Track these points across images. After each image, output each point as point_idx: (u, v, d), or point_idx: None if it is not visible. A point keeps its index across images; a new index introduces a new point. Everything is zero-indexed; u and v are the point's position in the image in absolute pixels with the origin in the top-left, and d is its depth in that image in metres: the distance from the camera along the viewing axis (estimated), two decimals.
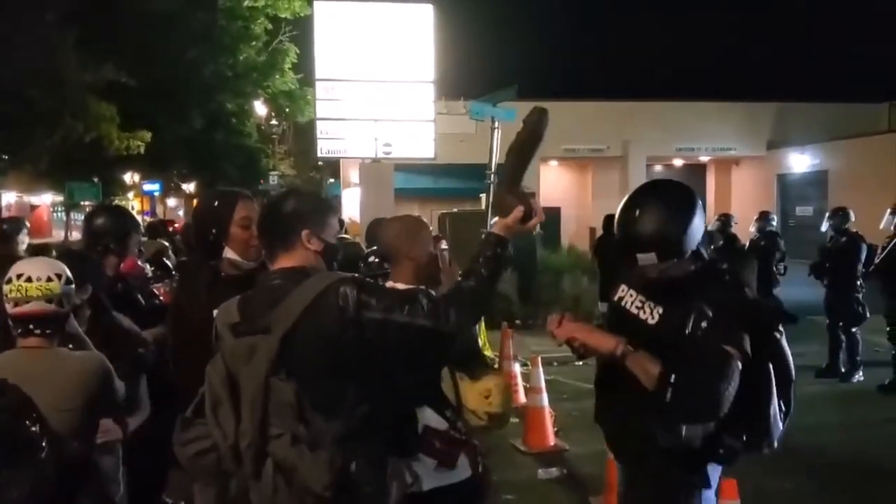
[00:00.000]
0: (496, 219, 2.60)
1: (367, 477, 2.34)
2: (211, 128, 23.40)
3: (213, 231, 2.96)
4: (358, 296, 2.31)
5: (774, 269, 10.08)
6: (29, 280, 2.86)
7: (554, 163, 30.78)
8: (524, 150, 2.61)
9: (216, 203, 3.07)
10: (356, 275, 2.48)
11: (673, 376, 2.45)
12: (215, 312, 2.84)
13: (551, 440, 6.88)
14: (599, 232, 8.53)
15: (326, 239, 2.54)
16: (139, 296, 4.17)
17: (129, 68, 19.29)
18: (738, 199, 31.19)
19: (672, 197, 2.73)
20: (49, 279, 2.88)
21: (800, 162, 28.08)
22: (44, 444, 2.61)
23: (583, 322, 2.82)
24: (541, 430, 6.86)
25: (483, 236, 2.54)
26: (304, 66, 20.61)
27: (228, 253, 2.98)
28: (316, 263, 2.51)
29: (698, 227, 2.64)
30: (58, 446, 2.65)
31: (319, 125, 15.42)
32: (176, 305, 3.11)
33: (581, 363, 10.24)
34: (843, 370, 9.09)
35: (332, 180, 35.52)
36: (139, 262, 4.30)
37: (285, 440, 2.28)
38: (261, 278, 2.56)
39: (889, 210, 8.50)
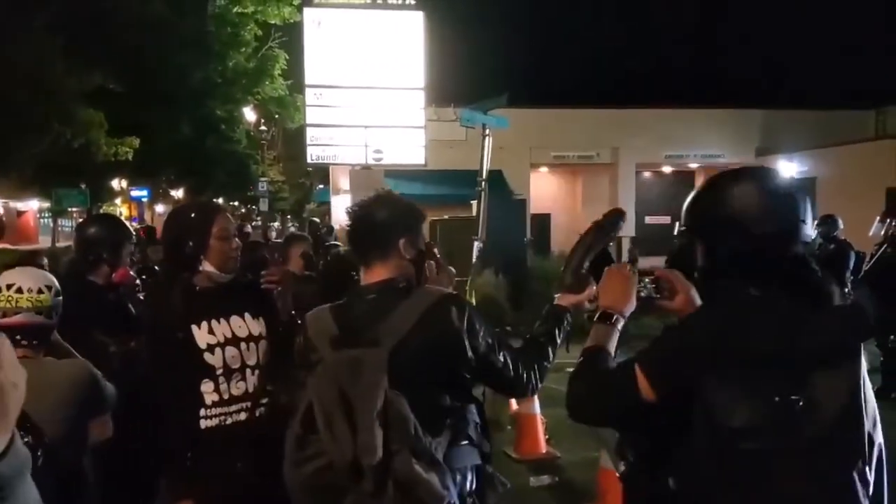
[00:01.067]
0: (562, 294, 2.70)
1: (477, 490, 2.39)
2: (200, 134, 23.33)
3: (191, 243, 2.92)
4: (470, 319, 2.38)
5: None
6: (20, 291, 2.83)
7: (544, 169, 30.85)
8: (595, 240, 2.70)
9: (193, 215, 3.04)
10: (457, 293, 2.55)
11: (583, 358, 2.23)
12: (194, 328, 2.84)
13: (543, 447, 6.88)
14: None
15: (420, 246, 2.57)
16: (130, 305, 4.16)
17: (117, 75, 19.20)
18: None
19: None
20: (40, 291, 2.86)
21: (788, 169, 28.14)
22: (39, 453, 2.54)
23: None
24: (532, 438, 6.85)
25: (555, 309, 2.65)
26: (294, 73, 20.59)
27: (206, 266, 2.94)
28: (408, 272, 2.53)
29: None
30: (53, 455, 2.63)
31: (309, 131, 15.41)
32: (151, 320, 3.07)
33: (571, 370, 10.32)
34: None
35: (321, 186, 35.47)
36: (131, 273, 4.30)
37: (405, 456, 2.24)
38: (356, 290, 2.55)
39: (878, 217, 8.54)
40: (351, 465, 2.28)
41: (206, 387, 2.86)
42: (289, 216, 50.76)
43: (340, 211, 23.38)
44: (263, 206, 27.72)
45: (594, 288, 2.56)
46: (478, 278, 12.18)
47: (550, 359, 2.57)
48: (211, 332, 2.89)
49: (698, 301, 2.07)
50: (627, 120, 27.99)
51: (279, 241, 13.47)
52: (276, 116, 26.45)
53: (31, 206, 46.90)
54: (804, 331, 1.83)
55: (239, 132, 24.84)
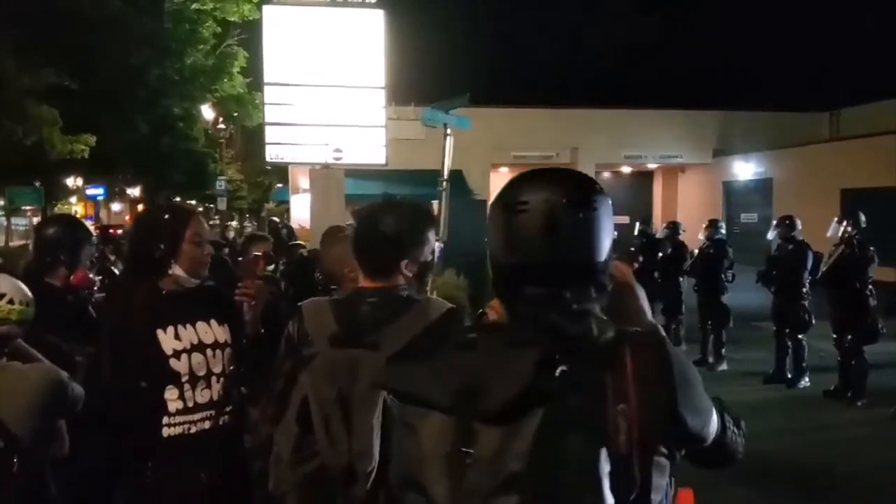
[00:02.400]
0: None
1: None
2: (157, 132, 22.99)
3: (162, 246, 2.82)
4: None
5: (723, 276, 10.18)
6: (11, 302, 2.87)
7: (504, 169, 30.89)
8: None
9: (167, 217, 2.93)
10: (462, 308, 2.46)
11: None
12: (160, 333, 2.73)
13: None
14: None
15: (424, 259, 2.50)
16: (90, 307, 4.07)
17: (70, 72, 18.83)
18: (685, 206, 31.65)
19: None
20: (27, 304, 2.93)
21: (745, 170, 28.60)
22: (14, 459, 2.61)
23: None
24: None
25: None
26: (254, 70, 20.36)
27: (176, 270, 2.84)
28: (412, 281, 2.47)
29: None
30: (27, 459, 2.64)
31: (268, 130, 15.24)
32: (113, 324, 2.96)
33: None
34: (789, 376, 9.22)
35: (280, 185, 35.16)
36: (90, 275, 4.19)
37: None
38: (355, 292, 2.48)
39: (836, 219, 8.64)
40: (345, 469, 2.23)
41: (171, 394, 2.76)
42: (247, 215, 50.31)
43: (299, 210, 23.19)
44: (222, 204, 27.41)
45: None
46: (439, 279, 12.15)
47: None
48: (177, 337, 2.79)
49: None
50: (586, 120, 28.18)
51: (237, 240, 13.30)
52: (235, 115, 26.17)
53: None
54: (484, 377, 1.49)
55: (196, 130, 24.49)
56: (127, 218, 42.89)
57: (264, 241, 5.95)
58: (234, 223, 53.44)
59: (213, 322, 2.93)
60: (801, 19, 42.62)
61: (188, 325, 2.81)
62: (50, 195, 30.39)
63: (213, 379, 2.86)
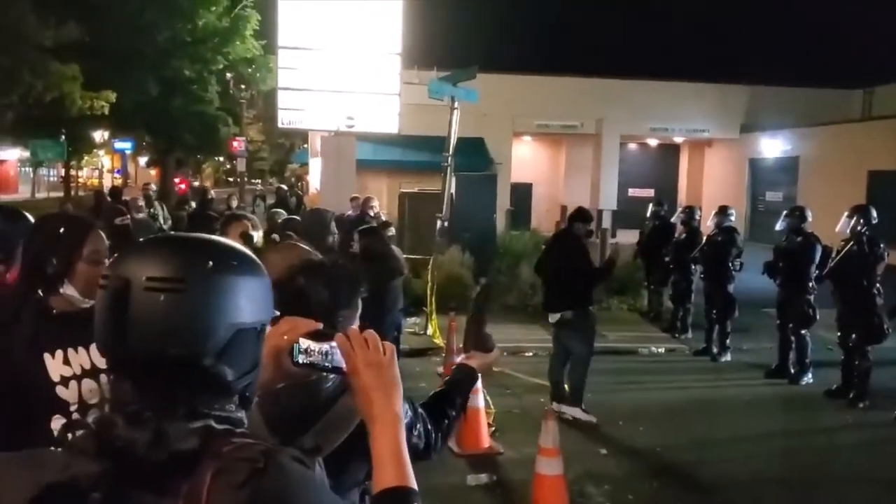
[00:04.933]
0: (471, 354, 2.56)
1: None
2: (168, 94, 22.83)
3: (55, 261, 2.54)
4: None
5: (731, 265, 9.90)
6: None
7: (527, 138, 30.53)
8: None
9: (62, 230, 2.64)
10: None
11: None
12: (47, 357, 2.50)
13: (485, 442, 6.70)
14: (571, 210, 8.18)
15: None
16: None
17: (88, 30, 18.79)
18: (710, 182, 31.15)
19: None
20: None
21: (771, 147, 28.01)
22: None
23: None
24: (475, 432, 6.66)
25: (462, 371, 2.48)
26: (268, 34, 20.07)
27: (68, 289, 2.56)
28: None
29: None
30: None
31: (281, 95, 15.04)
32: None
33: (531, 354, 10.17)
34: (792, 371, 8.97)
35: (305, 146, 34.93)
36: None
37: None
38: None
39: (847, 213, 8.32)
40: None
41: (57, 423, 2.53)
42: (272, 178, 50.09)
43: (317, 173, 23.04)
44: (241, 166, 27.28)
45: (498, 351, 2.60)
46: (441, 255, 11.97)
47: (458, 417, 2.38)
48: (66, 362, 2.52)
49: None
50: (613, 91, 27.66)
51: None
52: (248, 77, 25.89)
53: (12, 155, 46.37)
54: None
55: (210, 93, 24.27)
56: (153, 173, 43.00)
57: (241, 221, 5.75)
58: (259, 185, 53.46)
59: None
60: None
61: (80, 349, 2.54)
62: (75, 148, 30.57)
63: (108, 407, 2.65)
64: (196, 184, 40.97)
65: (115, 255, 1.32)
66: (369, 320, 2.12)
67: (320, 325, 1.64)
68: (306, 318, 1.64)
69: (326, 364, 1.55)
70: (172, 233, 1.40)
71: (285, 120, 15.28)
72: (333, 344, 1.54)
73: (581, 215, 7.79)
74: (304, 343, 1.54)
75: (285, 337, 1.55)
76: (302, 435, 1.93)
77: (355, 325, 2.04)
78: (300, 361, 1.53)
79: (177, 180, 41.60)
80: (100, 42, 19.44)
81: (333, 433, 1.88)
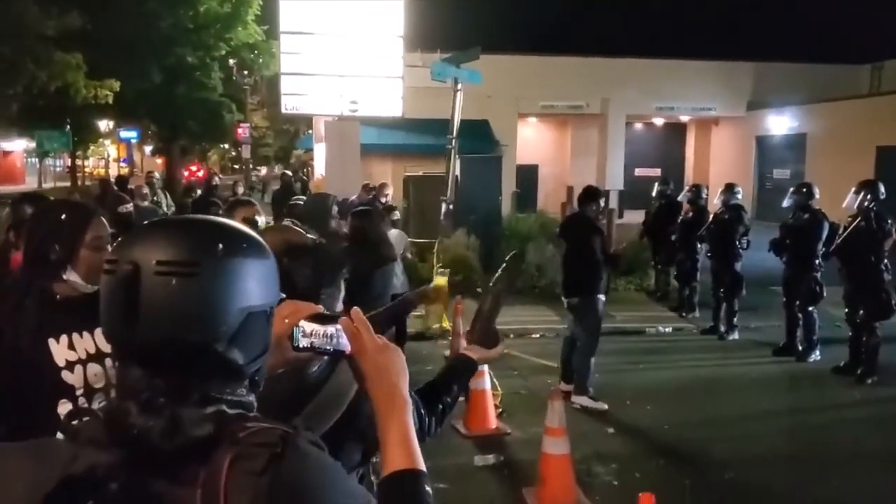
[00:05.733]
0: (473, 347, 2.47)
1: None
2: (171, 81, 22.81)
3: (58, 248, 2.56)
4: None
5: (738, 243, 9.85)
6: None
7: (532, 119, 30.38)
8: (502, 299, 2.59)
9: (64, 217, 2.65)
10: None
11: None
12: (52, 342, 2.52)
13: (493, 423, 6.71)
14: (578, 191, 8.07)
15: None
16: None
17: (89, 19, 18.76)
18: (717, 160, 31.00)
19: None
20: None
21: (779, 124, 27.83)
22: None
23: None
24: (482, 414, 6.68)
25: (461, 360, 2.44)
26: (270, 19, 20.00)
27: (71, 275, 2.57)
28: None
29: None
30: None
31: (284, 80, 15.01)
32: None
33: (538, 336, 10.17)
34: (799, 348, 8.94)
35: (309, 131, 34.92)
36: None
37: None
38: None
39: (853, 189, 8.26)
40: None
41: (64, 408, 2.53)
42: (277, 164, 49.93)
43: (321, 159, 23.02)
44: (246, 152, 27.22)
45: (502, 346, 2.50)
46: (447, 240, 11.96)
47: (453, 404, 2.35)
48: (71, 346, 2.55)
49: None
50: (618, 70, 27.46)
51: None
52: (251, 63, 25.80)
53: (18, 146, 46.45)
54: None
55: (214, 80, 24.23)
56: (159, 161, 43.03)
57: (247, 206, 5.72)
58: (263, 171, 53.36)
59: None
60: None
61: (85, 333, 2.57)
62: (80, 138, 30.59)
63: (113, 391, 2.66)
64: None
65: (119, 239, 1.29)
66: (356, 305, 2.10)
67: (322, 308, 1.62)
68: (304, 301, 1.63)
69: (329, 347, 1.53)
70: (178, 216, 1.35)
71: (289, 105, 15.26)
72: (338, 326, 1.53)
73: (589, 195, 7.70)
74: (308, 326, 1.52)
75: (286, 321, 1.54)
76: (291, 419, 1.92)
77: (340, 307, 2.03)
78: (300, 345, 1.52)
79: (193, 167, 41.73)
80: (102, 30, 19.41)
81: (323, 416, 1.86)
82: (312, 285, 2.00)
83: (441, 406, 2.30)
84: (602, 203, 7.95)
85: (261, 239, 1.33)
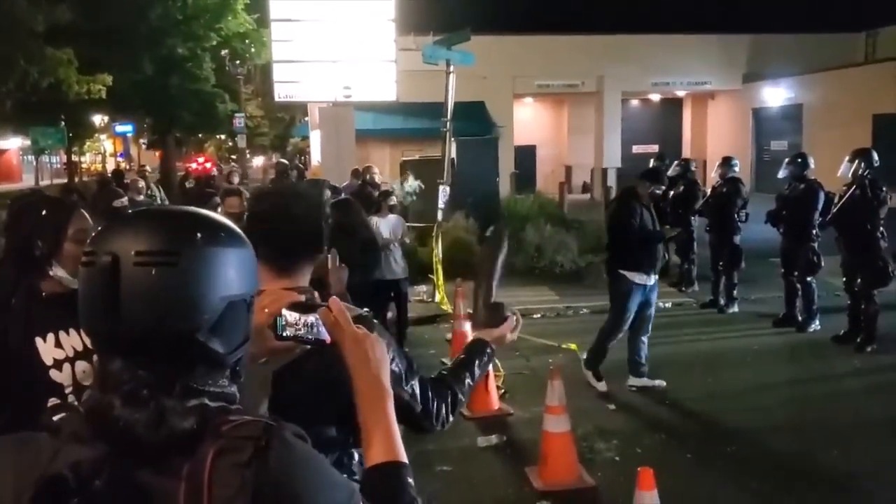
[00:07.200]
0: (481, 329, 2.45)
1: None
2: (163, 73, 22.73)
3: (41, 244, 2.54)
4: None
5: (736, 216, 9.85)
6: None
7: (529, 100, 30.32)
8: (494, 266, 2.56)
9: (45, 212, 2.63)
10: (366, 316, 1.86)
11: None
12: (39, 341, 2.51)
13: (495, 404, 6.74)
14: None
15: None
16: None
17: (81, 11, 18.68)
18: (715, 134, 30.96)
19: None
20: None
21: (775, 96, 27.75)
22: None
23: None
24: (484, 395, 6.70)
25: (476, 343, 2.40)
26: (260, 7, 19.89)
27: (57, 270, 2.56)
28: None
29: None
30: None
31: (276, 68, 14.99)
32: None
33: (539, 316, 10.18)
34: (799, 319, 8.96)
35: (305, 119, 34.82)
36: None
37: None
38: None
39: (847, 157, 8.25)
40: None
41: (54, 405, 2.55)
42: (274, 153, 49.70)
43: (317, 147, 22.96)
44: (242, 142, 27.13)
45: (513, 318, 2.42)
46: (446, 223, 11.94)
47: (468, 393, 2.29)
48: (58, 345, 2.54)
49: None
50: (612, 47, 27.38)
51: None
52: (242, 52, 25.67)
53: (13, 144, 46.35)
54: None
55: (206, 70, 24.12)
56: (157, 155, 42.92)
57: (236, 195, 5.73)
58: (260, 161, 53.13)
59: None
60: None
61: (71, 331, 2.55)
62: (75, 134, 30.53)
63: (96, 389, 2.65)
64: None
65: (96, 231, 1.28)
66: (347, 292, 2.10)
67: (302, 298, 1.62)
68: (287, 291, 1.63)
69: (310, 337, 1.53)
70: (153, 206, 1.33)
71: (282, 93, 15.26)
72: (317, 316, 1.53)
73: (650, 173, 7.56)
74: (290, 315, 1.52)
75: (266, 310, 1.54)
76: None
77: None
78: (286, 335, 1.51)
79: (201, 159, 41.63)
80: (92, 24, 19.31)
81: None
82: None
83: (450, 392, 2.22)
84: (660, 189, 7.58)
85: (237, 228, 1.32)
